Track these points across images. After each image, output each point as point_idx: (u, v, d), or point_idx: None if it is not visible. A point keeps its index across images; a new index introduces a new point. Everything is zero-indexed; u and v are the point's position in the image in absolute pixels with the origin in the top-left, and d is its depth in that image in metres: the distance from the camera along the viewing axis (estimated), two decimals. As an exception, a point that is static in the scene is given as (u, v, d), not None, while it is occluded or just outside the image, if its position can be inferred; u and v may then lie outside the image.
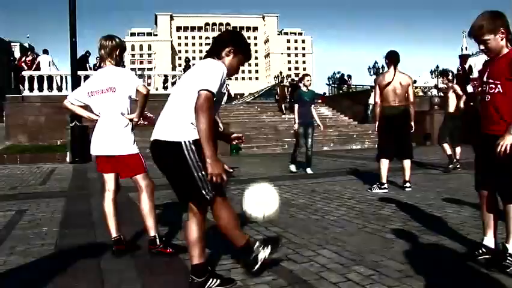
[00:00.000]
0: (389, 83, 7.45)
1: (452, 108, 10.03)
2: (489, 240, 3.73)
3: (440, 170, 9.99)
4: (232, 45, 3.34)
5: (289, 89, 28.23)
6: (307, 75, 11.01)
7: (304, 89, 10.57)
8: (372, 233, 4.78)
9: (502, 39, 3.46)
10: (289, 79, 32.39)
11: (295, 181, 9.09)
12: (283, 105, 27.15)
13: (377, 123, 7.65)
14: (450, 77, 10.96)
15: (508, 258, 3.47)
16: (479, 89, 3.77)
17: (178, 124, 3.12)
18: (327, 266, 3.75)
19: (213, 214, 3.35)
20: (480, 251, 3.72)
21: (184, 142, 3.08)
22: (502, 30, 3.44)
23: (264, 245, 3.47)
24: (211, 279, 3.29)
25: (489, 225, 3.72)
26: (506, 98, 3.43)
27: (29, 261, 4.16)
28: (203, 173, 3.07)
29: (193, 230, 3.30)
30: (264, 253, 3.43)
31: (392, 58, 7.58)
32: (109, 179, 4.36)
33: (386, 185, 7.44)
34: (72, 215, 6.31)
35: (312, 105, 10.51)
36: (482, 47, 3.54)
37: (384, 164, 7.51)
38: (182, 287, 3.38)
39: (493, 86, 3.48)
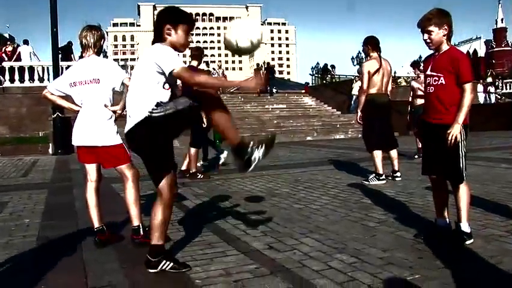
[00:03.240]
0: (377, 70, 7.20)
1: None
2: (442, 221, 4.09)
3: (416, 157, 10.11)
4: (166, 22, 3.40)
5: (265, 72, 29.47)
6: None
7: None
8: (354, 222, 4.81)
9: (444, 35, 3.84)
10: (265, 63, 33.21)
11: (277, 171, 9.11)
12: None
13: (360, 112, 7.33)
14: (422, 68, 11.02)
15: (461, 235, 3.88)
16: (424, 80, 4.12)
17: (139, 106, 3.27)
18: (310, 254, 3.77)
19: (211, 117, 3.42)
20: (436, 232, 4.10)
21: (146, 117, 3.24)
22: (446, 27, 3.82)
23: (258, 145, 3.47)
24: (164, 261, 3.41)
25: (440, 207, 4.10)
26: (448, 89, 3.81)
27: (10, 253, 4.13)
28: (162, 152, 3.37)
29: (159, 213, 3.42)
30: (258, 153, 3.44)
31: (375, 43, 7.32)
32: (91, 169, 4.34)
33: (383, 176, 7.29)
34: (54, 206, 6.28)
35: None
36: (426, 37, 3.89)
37: (379, 154, 7.30)
38: (165, 277, 3.39)
39: (436, 78, 3.86)
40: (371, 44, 7.33)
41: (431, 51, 4.01)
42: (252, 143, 3.44)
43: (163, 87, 3.29)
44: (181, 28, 3.41)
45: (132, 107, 3.33)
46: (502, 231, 4.20)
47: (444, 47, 3.88)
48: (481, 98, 29.25)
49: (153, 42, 3.44)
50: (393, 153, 7.52)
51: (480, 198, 5.54)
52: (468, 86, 3.76)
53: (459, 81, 3.77)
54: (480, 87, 30.07)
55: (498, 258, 3.49)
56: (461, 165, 3.86)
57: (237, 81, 3.07)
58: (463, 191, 3.88)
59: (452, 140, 3.72)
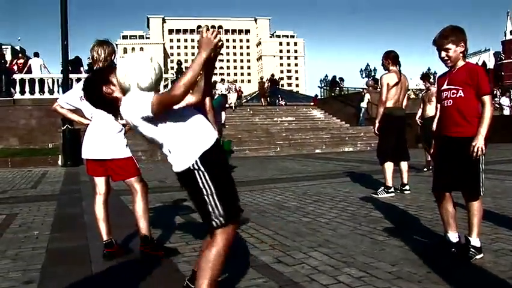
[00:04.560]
0: (396, 83, 7.26)
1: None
2: (452, 236, 4.03)
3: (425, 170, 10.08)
4: (101, 84, 2.90)
5: (268, 84, 30.48)
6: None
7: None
8: (363, 235, 4.79)
9: (461, 52, 3.88)
10: (267, 76, 34.16)
11: (286, 184, 9.11)
12: (263, 100, 29.23)
13: (379, 124, 7.32)
14: (432, 80, 11.04)
15: (471, 249, 3.84)
16: (439, 95, 4.11)
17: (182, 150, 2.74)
18: (318, 268, 3.76)
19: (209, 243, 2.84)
20: (446, 247, 4.03)
21: (194, 168, 2.71)
22: (462, 44, 3.86)
23: None
24: None
25: (449, 222, 4.03)
26: (468, 101, 3.81)
27: (19, 265, 4.14)
28: (214, 196, 2.72)
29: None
30: None
31: (395, 57, 7.37)
32: (100, 182, 4.36)
33: (393, 188, 7.28)
34: (63, 218, 6.30)
35: (222, 111, 10.77)
36: (443, 55, 3.91)
37: (391, 167, 7.34)
38: (174, 289, 3.39)
39: (455, 91, 3.86)
40: (391, 58, 7.37)
41: (446, 69, 4.02)
42: None
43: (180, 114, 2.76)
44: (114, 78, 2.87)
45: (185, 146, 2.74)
46: (513, 246, 4.16)
47: (460, 63, 3.90)
48: (506, 110, 29.02)
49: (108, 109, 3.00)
50: (404, 166, 7.53)
51: (490, 211, 5.50)
52: (487, 99, 3.76)
53: (478, 94, 3.77)
54: (506, 101, 29.88)
55: (509, 273, 3.46)
56: (480, 180, 3.84)
57: (197, 59, 2.53)
58: (477, 206, 3.85)
59: (479, 152, 3.70)
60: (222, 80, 29.80)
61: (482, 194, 3.86)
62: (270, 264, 3.91)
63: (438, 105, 4.24)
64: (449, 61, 3.90)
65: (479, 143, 3.70)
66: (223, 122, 10.86)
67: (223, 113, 10.71)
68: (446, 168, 3.98)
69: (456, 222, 4.05)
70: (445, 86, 3.94)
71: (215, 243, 2.72)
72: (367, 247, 4.33)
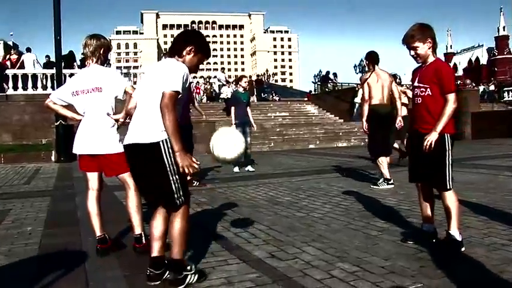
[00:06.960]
0: (377, 81, 7.66)
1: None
2: (428, 226, 4.19)
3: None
4: (193, 44, 3.44)
5: (255, 83, 30.67)
6: (244, 76, 11.35)
7: (241, 89, 10.98)
8: (356, 230, 4.81)
9: (429, 48, 3.99)
10: (254, 75, 34.46)
11: (280, 179, 9.12)
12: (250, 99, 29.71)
13: (366, 122, 7.75)
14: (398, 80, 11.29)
15: (452, 243, 3.91)
16: (412, 90, 4.26)
17: (153, 125, 3.20)
18: (312, 263, 3.77)
19: (172, 219, 3.33)
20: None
21: (162, 142, 3.17)
22: (430, 40, 3.98)
23: (195, 272, 3.41)
24: (190, 275, 3.35)
25: (426, 212, 4.18)
26: (435, 100, 3.93)
27: (12, 261, 4.12)
28: (177, 177, 3.20)
29: (159, 225, 3.39)
30: (192, 278, 3.36)
31: (374, 57, 7.82)
32: (93, 177, 4.34)
33: (392, 180, 7.56)
34: (57, 214, 6.28)
35: (248, 106, 10.66)
36: (412, 53, 4.04)
37: (385, 161, 7.68)
38: (167, 285, 3.38)
39: (424, 89, 3.98)
40: (369, 58, 7.86)
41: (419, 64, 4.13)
42: (190, 266, 3.40)
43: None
44: (200, 55, 3.46)
45: (155, 122, 3.19)
46: (505, 240, 4.18)
47: (431, 59, 4.02)
48: None
49: (169, 56, 3.45)
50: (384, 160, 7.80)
51: (483, 206, 5.54)
52: (451, 97, 3.86)
53: (442, 92, 3.88)
54: None
55: (501, 267, 3.48)
56: (447, 174, 3.94)
57: (180, 146, 3.08)
58: (451, 200, 3.94)
59: (427, 146, 3.83)
60: (228, 82, 29.72)
61: (450, 187, 3.96)
62: (263, 259, 3.92)
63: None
64: (418, 58, 4.04)
65: (431, 137, 3.83)
66: (251, 120, 10.77)
67: (248, 110, 10.71)
68: (417, 161, 4.12)
69: (433, 214, 4.19)
70: (416, 83, 4.06)
71: (177, 219, 3.30)
72: (360, 242, 4.35)
